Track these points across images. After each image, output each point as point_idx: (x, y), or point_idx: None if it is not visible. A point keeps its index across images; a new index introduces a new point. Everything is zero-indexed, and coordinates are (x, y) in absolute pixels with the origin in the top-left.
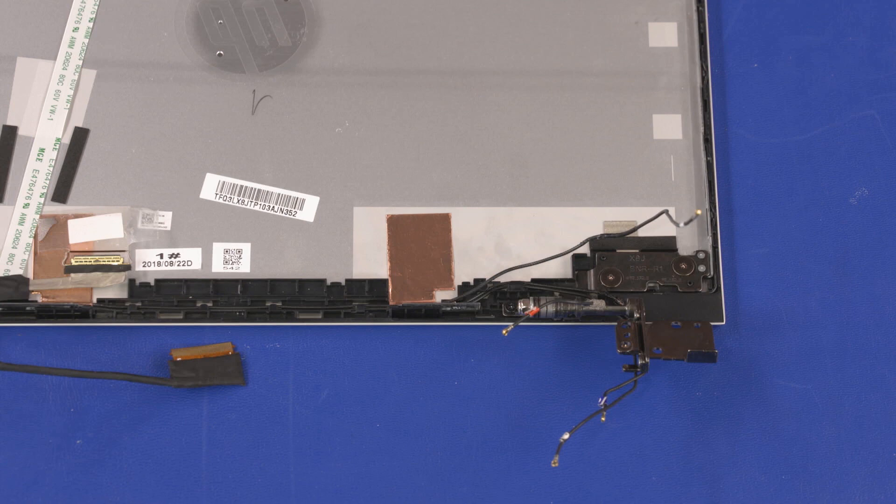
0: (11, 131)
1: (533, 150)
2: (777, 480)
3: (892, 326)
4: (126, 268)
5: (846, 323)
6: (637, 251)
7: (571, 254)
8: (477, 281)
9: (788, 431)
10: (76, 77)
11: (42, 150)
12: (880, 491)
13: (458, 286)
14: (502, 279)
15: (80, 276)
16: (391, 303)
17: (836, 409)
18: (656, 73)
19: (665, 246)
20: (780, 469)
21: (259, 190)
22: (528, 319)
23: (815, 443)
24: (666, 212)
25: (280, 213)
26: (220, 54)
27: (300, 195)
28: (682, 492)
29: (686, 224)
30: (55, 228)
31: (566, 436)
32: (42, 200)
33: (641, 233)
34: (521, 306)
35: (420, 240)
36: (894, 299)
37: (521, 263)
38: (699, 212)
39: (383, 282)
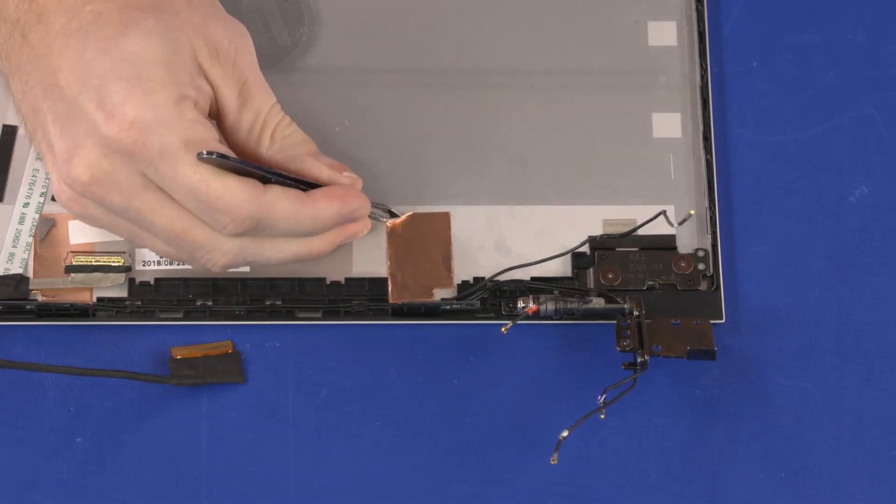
0: (11, 131)
1: (532, 149)
2: (776, 478)
3: (892, 324)
4: (126, 269)
5: (846, 321)
6: (636, 249)
7: (571, 252)
8: (476, 279)
9: (788, 429)
10: None
11: None
12: (880, 488)
13: (458, 285)
14: (502, 278)
15: (80, 276)
16: (391, 301)
17: (836, 406)
18: (656, 72)
19: (664, 244)
20: (780, 466)
21: None
22: (528, 317)
23: (815, 440)
24: (664, 212)
25: None
26: None
27: None
28: (681, 489)
29: (680, 224)
30: (55, 228)
31: (565, 433)
32: (42, 200)
33: (641, 231)
34: (520, 304)
35: (420, 238)
36: (894, 297)
37: (520, 262)
38: (692, 212)
39: (383, 280)
